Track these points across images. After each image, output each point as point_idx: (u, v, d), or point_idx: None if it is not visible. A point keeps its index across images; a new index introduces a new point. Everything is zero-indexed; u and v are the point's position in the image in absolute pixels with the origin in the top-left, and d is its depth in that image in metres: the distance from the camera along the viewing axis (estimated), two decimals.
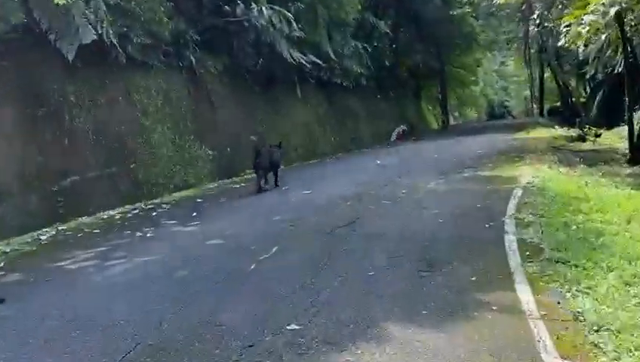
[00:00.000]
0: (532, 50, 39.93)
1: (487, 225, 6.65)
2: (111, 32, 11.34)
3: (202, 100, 15.45)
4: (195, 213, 8.70)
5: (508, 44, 44.31)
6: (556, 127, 23.17)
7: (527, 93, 70.11)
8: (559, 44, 25.18)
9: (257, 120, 17.70)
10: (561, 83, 31.71)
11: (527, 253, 5.48)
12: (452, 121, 40.30)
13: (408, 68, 39.07)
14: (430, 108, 50.13)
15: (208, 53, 16.10)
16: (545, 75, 53.29)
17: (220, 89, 16.27)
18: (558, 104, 52.78)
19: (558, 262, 5.13)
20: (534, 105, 59.74)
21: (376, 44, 31.48)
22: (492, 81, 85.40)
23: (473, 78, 54.10)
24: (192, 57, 14.94)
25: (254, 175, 11.74)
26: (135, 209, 10.05)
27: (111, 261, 6.34)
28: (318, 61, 20.40)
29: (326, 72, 21.97)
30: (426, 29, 39.40)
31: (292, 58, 17.63)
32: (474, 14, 47.38)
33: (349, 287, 4.85)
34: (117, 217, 9.37)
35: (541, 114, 50.53)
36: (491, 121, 44.27)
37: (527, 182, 8.60)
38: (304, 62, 18.49)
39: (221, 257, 6.24)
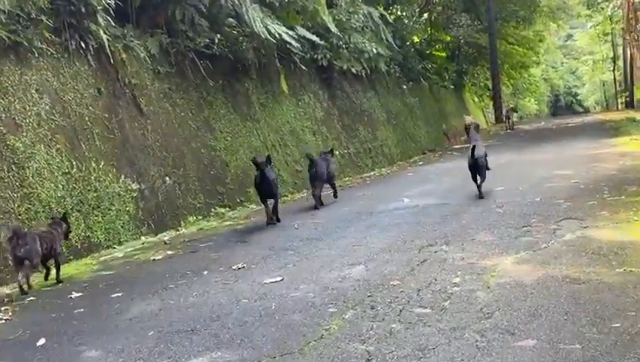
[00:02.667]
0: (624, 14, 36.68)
1: None
2: None
3: (122, 103, 12.43)
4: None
5: (590, 7, 40.89)
6: None
7: (606, 77, 67.05)
8: None
9: (215, 131, 14.66)
10: None
11: None
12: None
13: (447, 46, 36.18)
14: (477, 100, 47.30)
15: (133, 27, 13.19)
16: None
17: (151, 84, 13.25)
18: None
19: None
20: (619, 94, 56.57)
21: (400, 12, 28.74)
22: (556, 61, 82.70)
23: (534, 59, 51.35)
24: (103, 35, 11.92)
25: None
26: None
27: None
28: (313, 37, 17.47)
29: (325, 54, 19.00)
30: None
31: (269, 34, 14.63)
32: None
33: None
34: None
35: (631, 105, 47.48)
36: (564, 119, 40.55)
37: None
38: (289, 39, 15.48)
39: None
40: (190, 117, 14.05)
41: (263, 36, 14.45)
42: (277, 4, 15.66)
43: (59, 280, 8.29)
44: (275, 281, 6.56)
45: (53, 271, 8.35)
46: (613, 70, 57.67)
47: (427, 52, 31.84)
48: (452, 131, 27.22)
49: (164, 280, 7.25)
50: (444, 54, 35.65)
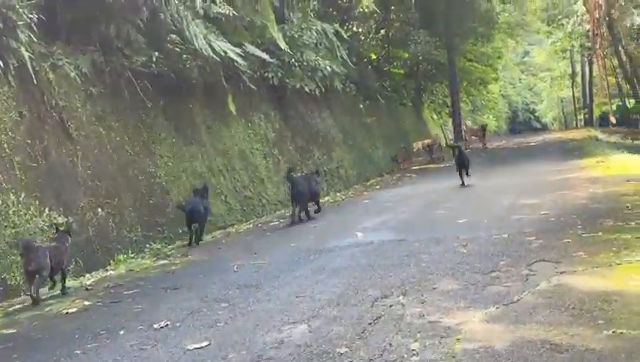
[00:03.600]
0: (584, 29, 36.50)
1: None
2: None
3: (48, 127, 11.32)
4: None
5: (550, 24, 40.70)
6: None
7: (565, 94, 67.40)
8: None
9: (155, 156, 13.61)
10: (635, 78, 28.22)
11: None
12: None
13: (405, 63, 35.57)
14: (435, 117, 46.85)
15: (63, 44, 12.13)
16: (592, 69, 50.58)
17: (82, 106, 12.17)
18: (614, 108, 50.07)
19: None
20: (578, 111, 56.71)
21: (356, 28, 28.05)
22: (514, 78, 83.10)
23: (493, 75, 51.21)
24: (24, 52, 10.83)
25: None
26: None
27: None
28: (263, 55, 16.57)
29: (276, 73, 18.10)
30: (429, 6, 36.04)
31: (213, 51, 13.67)
32: None
33: None
34: None
35: (590, 123, 47.51)
36: (525, 137, 39.79)
37: None
38: (236, 56, 14.54)
39: None
40: (127, 141, 12.99)
41: (205, 53, 13.47)
42: (222, 19, 14.73)
43: (64, 292, 8.90)
44: (201, 347, 5.54)
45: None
46: (572, 87, 57.80)
47: (385, 69, 31.20)
48: (403, 155, 26.24)
49: (72, 342, 6.17)
50: (402, 71, 35.05)
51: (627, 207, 9.71)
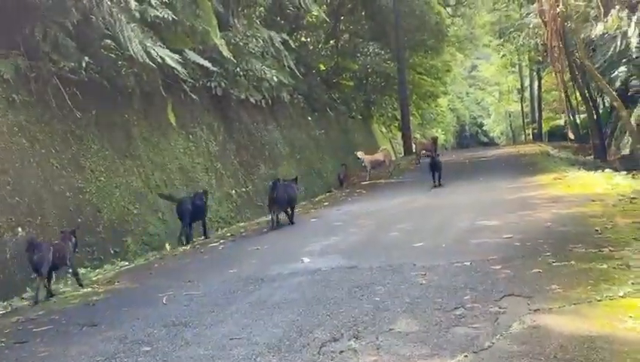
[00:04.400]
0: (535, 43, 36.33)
1: None
2: None
3: None
4: None
5: (501, 37, 40.54)
6: (608, 170, 18.41)
7: (514, 108, 67.87)
8: (595, 32, 22.02)
9: (85, 170, 12.56)
10: (588, 93, 27.91)
11: None
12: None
13: (354, 75, 34.99)
14: (385, 130, 46.46)
15: None
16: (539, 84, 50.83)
17: (3, 115, 11.08)
18: (562, 123, 50.28)
19: None
20: (526, 126, 56.97)
21: (305, 38, 27.34)
22: (462, 91, 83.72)
23: (442, 89, 51.28)
24: None
25: None
26: None
27: None
28: (205, 63, 15.66)
29: (220, 82, 17.21)
30: (379, 18, 35.63)
31: (149, 57, 12.71)
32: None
33: None
34: None
35: (539, 138, 47.52)
36: (476, 152, 38.98)
37: None
38: (175, 64, 13.60)
39: None
40: (53, 154, 11.91)
41: (142, 60, 12.50)
42: (161, 23, 13.78)
43: (80, 284, 9.90)
44: None
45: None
46: (521, 101, 58.04)
47: (334, 81, 30.51)
48: (344, 173, 25.26)
49: None
50: (351, 83, 34.43)
51: (597, 230, 9.04)
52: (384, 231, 11.87)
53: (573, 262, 7.35)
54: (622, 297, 5.94)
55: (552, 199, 13.16)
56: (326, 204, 18.95)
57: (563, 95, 28.50)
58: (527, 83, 56.23)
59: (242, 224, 16.26)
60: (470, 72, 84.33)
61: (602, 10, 19.79)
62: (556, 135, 45.94)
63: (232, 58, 16.52)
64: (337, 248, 10.61)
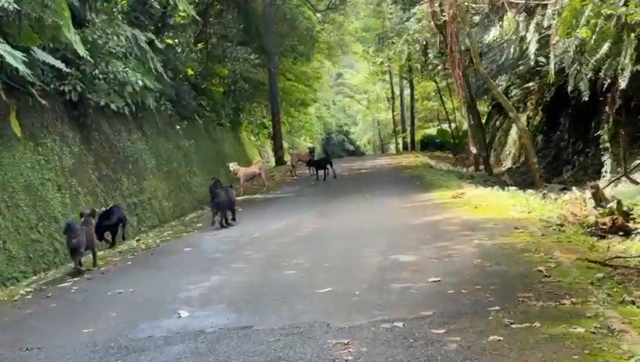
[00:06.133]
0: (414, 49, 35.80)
1: None
2: None
3: None
4: None
5: (381, 42, 39.74)
6: (512, 188, 17.31)
7: (383, 116, 68.02)
8: (490, 37, 21.34)
9: None
10: (472, 102, 27.29)
11: None
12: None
13: (224, 81, 33.18)
14: (253, 139, 44.88)
15: None
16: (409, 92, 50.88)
17: None
18: (434, 133, 50.52)
19: None
20: (398, 135, 56.91)
21: (173, 39, 25.25)
22: (328, 99, 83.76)
23: (312, 96, 50.48)
24: None
25: None
26: None
27: None
28: (57, 63, 13.34)
29: (75, 86, 14.87)
30: (249, 22, 34.09)
31: None
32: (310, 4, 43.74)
33: None
34: None
35: (411, 148, 47.32)
36: (352, 162, 37.11)
37: None
38: (17, 63, 11.26)
39: None
40: None
41: None
42: (2, 15, 11.42)
43: (95, 264, 12.21)
44: None
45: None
46: (392, 110, 57.90)
47: (203, 87, 28.42)
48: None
49: None
50: (221, 89, 32.52)
51: (540, 271, 7.61)
52: (277, 268, 9.92)
53: (537, 324, 5.81)
54: None
55: (466, 225, 11.65)
56: (199, 225, 16.92)
57: (461, 103, 27.48)
58: (398, 91, 56.21)
59: (101, 253, 13.90)
60: (336, 79, 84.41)
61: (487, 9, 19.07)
62: (429, 144, 46.08)
63: (89, 58, 14.27)
64: (222, 294, 8.57)
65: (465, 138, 41.67)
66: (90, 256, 12.33)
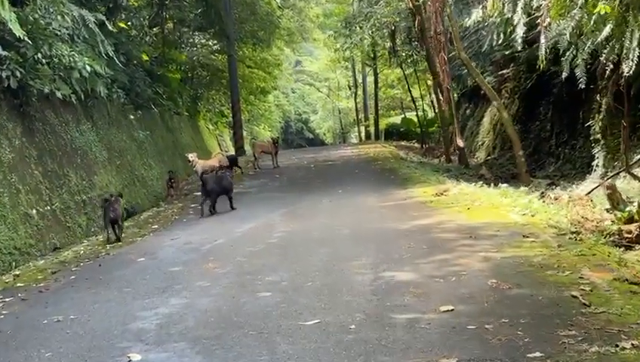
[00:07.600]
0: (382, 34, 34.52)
1: None
2: None
3: None
4: None
5: (347, 26, 38.22)
6: (504, 185, 15.98)
7: (344, 105, 66.87)
8: (470, 20, 20.16)
9: None
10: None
11: None
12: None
13: (181, 67, 31.61)
14: (211, 128, 43.40)
15: None
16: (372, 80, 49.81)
17: None
18: (398, 121, 49.47)
19: None
20: (361, 123, 55.76)
21: (126, 22, 23.63)
22: (287, 87, 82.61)
23: (272, 84, 49.25)
24: None
25: None
26: None
27: None
28: None
29: (14, 71, 13.25)
30: (206, 5, 32.60)
31: None
32: None
33: None
34: None
35: (375, 137, 46.32)
36: (317, 152, 35.04)
37: None
38: None
39: None
40: None
41: None
42: None
43: (119, 239, 13.88)
44: None
45: None
46: (354, 98, 56.59)
47: (158, 73, 26.76)
48: (175, 179, 21.82)
49: None
50: (178, 76, 30.87)
51: (576, 297, 6.25)
52: (249, 288, 8.24)
53: None
54: None
55: (464, 232, 10.21)
56: (155, 226, 15.35)
57: (443, 92, 26.10)
58: (360, 79, 54.99)
59: (42, 262, 12.27)
60: (295, 66, 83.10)
61: None
62: (393, 133, 45.08)
63: (27, 40, 12.66)
64: (184, 326, 6.84)
65: (431, 127, 40.75)
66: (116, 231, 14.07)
